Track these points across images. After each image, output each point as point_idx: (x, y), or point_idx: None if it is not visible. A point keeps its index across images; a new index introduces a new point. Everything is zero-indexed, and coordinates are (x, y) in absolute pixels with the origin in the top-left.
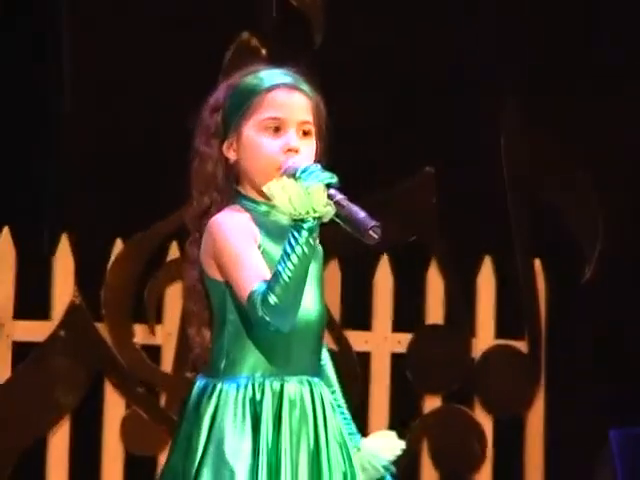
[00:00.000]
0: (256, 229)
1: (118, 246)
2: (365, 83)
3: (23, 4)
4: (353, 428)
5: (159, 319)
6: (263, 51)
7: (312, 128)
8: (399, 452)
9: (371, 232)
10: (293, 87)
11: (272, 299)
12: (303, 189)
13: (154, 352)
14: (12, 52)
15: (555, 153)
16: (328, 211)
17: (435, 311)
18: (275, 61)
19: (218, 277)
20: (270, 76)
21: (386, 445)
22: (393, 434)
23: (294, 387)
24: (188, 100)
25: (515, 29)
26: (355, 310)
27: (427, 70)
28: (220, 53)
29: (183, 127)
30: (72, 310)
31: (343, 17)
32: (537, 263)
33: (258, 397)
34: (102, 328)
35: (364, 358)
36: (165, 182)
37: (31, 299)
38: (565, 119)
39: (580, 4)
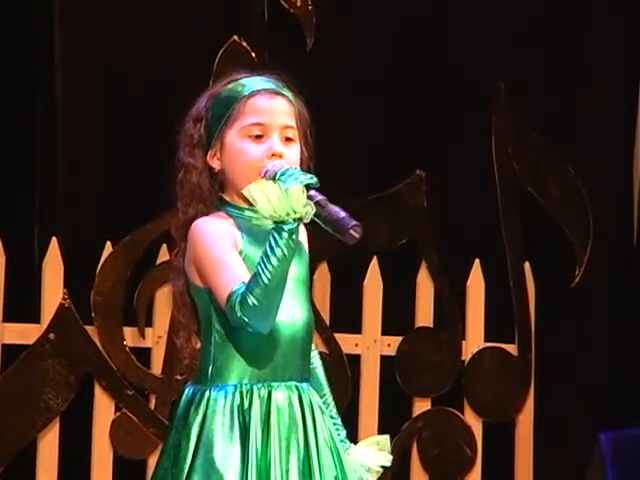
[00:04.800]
0: (238, 234)
1: (108, 249)
2: (356, 86)
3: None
4: (343, 435)
5: (149, 322)
6: (253, 54)
7: (295, 133)
8: (387, 464)
9: (352, 232)
10: (274, 92)
11: (251, 300)
12: (282, 191)
13: (144, 355)
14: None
15: (547, 155)
16: (308, 212)
17: (425, 314)
18: (266, 64)
19: (201, 284)
20: (251, 83)
21: (375, 457)
22: (386, 442)
23: (282, 394)
24: (178, 104)
25: (513, 31)
26: (345, 313)
27: (420, 72)
28: (211, 57)
29: (172, 130)
30: (62, 313)
31: (335, 20)
32: (527, 266)
33: (246, 404)
34: (92, 331)
35: (354, 361)
36: (154, 184)
37: (21, 302)
38: (559, 120)
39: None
